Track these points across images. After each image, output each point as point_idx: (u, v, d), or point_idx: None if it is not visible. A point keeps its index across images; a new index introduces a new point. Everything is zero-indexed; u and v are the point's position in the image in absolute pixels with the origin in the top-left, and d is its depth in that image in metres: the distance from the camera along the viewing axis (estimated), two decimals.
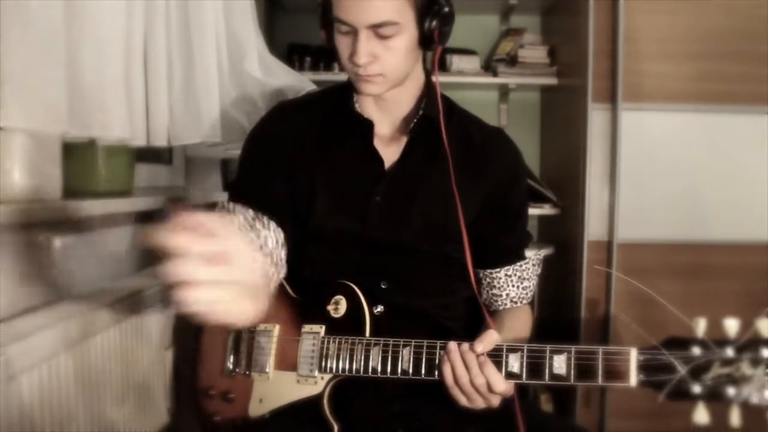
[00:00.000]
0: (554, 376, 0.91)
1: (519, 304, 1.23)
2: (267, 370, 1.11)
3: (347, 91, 1.17)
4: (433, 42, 1.07)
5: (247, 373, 1.13)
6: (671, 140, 2.13)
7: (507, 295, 1.22)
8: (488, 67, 2.46)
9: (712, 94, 2.10)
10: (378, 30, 1.01)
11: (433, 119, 1.14)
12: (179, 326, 1.46)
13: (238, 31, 1.61)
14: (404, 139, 1.16)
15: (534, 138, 2.63)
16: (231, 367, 1.15)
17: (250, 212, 1.08)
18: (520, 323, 1.20)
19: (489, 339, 0.97)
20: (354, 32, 1.02)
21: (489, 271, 1.21)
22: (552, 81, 2.39)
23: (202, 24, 1.46)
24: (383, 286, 1.13)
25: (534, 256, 1.23)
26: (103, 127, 1.11)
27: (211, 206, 1.15)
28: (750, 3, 2.09)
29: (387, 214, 1.13)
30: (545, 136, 2.60)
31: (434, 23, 1.05)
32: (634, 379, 0.86)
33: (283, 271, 1.13)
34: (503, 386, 0.95)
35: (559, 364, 0.91)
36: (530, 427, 1.01)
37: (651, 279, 2.08)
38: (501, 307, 1.23)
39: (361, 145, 1.15)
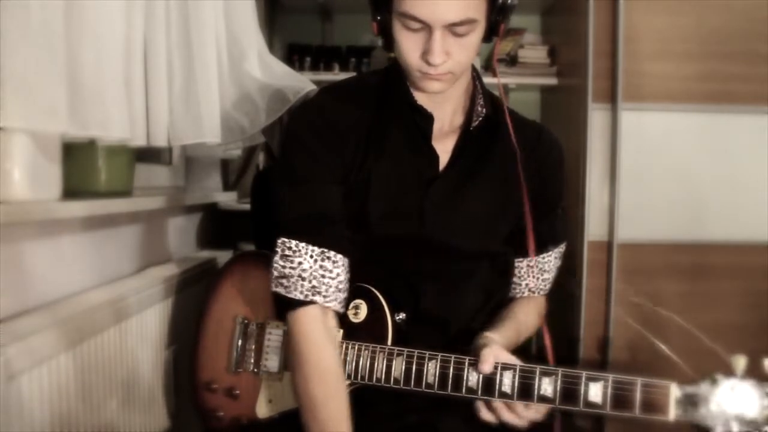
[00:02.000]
0: (589, 404, 0.89)
1: (536, 294, 1.21)
2: (277, 371, 1.08)
3: (402, 80, 1.08)
4: (497, 35, 1.02)
5: (255, 371, 1.10)
6: (671, 140, 2.12)
7: (526, 285, 1.19)
8: (488, 67, 2.46)
9: (712, 94, 2.10)
10: (455, 28, 0.95)
11: (493, 120, 1.10)
12: (179, 324, 1.46)
13: (238, 31, 1.61)
14: (453, 136, 1.11)
15: None
16: (237, 362, 1.12)
17: (316, 250, 1.01)
18: (531, 318, 1.18)
19: (488, 359, 0.95)
20: (426, 30, 0.96)
21: (520, 259, 1.18)
22: (552, 81, 2.39)
23: (202, 24, 1.46)
24: (424, 289, 1.08)
25: (556, 249, 1.20)
26: (103, 127, 1.11)
27: (272, 250, 1.04)
28: (750, 3, 2.08)
29: (442, 215, 1.08)
30: None
31: (502, 15, 1.00)
32: (672, 414, 0.86)
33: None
34: (537, 416, 0.94)
35: (595, 392, 0.89)
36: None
37: (651, 279, 2.08)
38: (518, 295, 1.21)
39: (419, 141, 1.09)
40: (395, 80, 1.09)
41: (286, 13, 2.56)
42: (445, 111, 1.11)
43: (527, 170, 1.12)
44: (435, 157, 1.09)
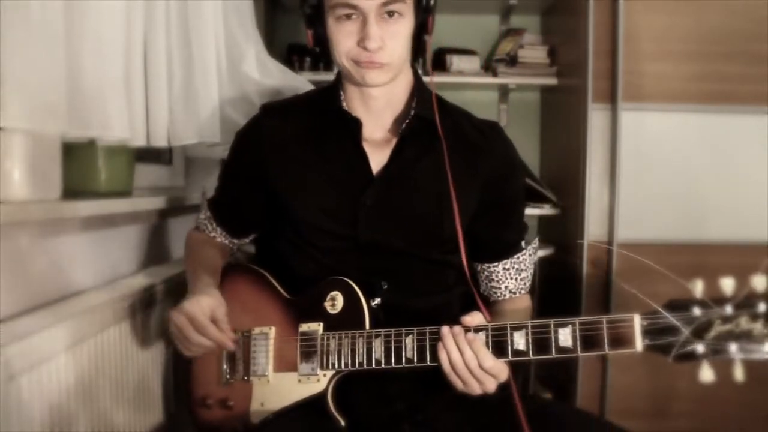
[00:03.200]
0: (561, 349, 0.93)
1: (518, 294, 1.23)
2: (266, 373, 1.10)
3: (334, 90, 1.15)
4: (426, 33, 1.07)
5: (246, 378, 1.12)
6: (671, 140, 2.12)
7: (506, 287, 1.21)
8: (488, 68, 2.46)
9: (712, 94, 2.10)
10: (386, 8, 1.01)
11: (426, 119, 1.12)
12: None
13: (236, 32, 1.61)
14: (394, 141, 1.14)
15: (534, 138, 2.62)
16: (227, 374, 1.14)
17: (228, 236, 1.30)
18: (521, 311, 1.21)
19: (476, 315, 0.98)
20: (360, 17, 1.02)
21: (487, 265, 1.21)
22: (552, 81, 2.39)
23: (201, 25, 1.46)
24: (384, 287, 1.12)
25: (530, 246, 1.21)
26: (103, 127, 1.11)
27: (196, 228, 1.34)
28: (750, 3, 2.08)
29: (378, 218, 1.12)
30: (545, 136, 2.60)
31: (429, 11, 1.06)
32: (639, 344, 0.89)
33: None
34: (490, 361, 0.95)
35: (565, 337, 0.93)
36: (531, 413, 1.00)
37: (651, 279, 2.08)
38: (500, 298, 1.23)
39: (349, 146, 1.13)
40: (331, 89, 1.17)
41: (286, 13, 2.55)
42: (383, 116, 1.15)
43: (479, 170, 1.14)
44: (365, 161, 1.13)
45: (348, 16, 1.03)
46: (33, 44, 0.91)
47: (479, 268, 1.22)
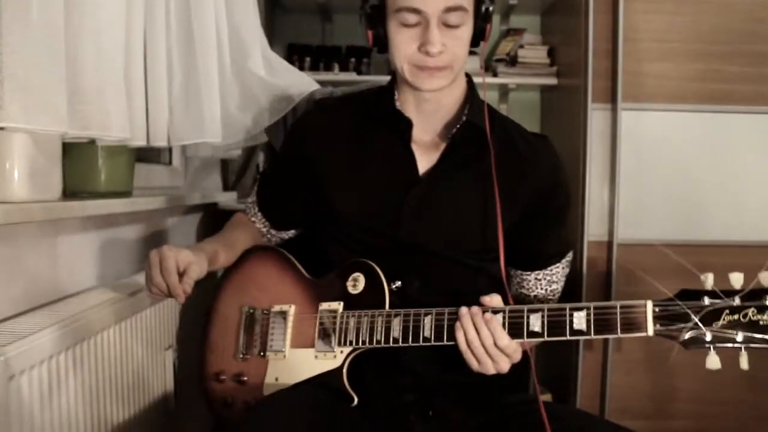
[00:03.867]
0: (574, 332, 0.95)
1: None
2: (283, 349, 1.11)
3: (389, 91, 1.17)
4: (483, 38, 1.09)
5: (262, 354, 1.13)
6: (671, 140, 2.13)
7: (535, 296, 1.22)
8: (488, 67, 2.46)
9: (712, 94, 2.10)
10: (448, 16, 1.02)
11: (477, 126, 1.13)
12: (180, 324, 1.46)
13: (240, 29, 1.61)
14: (443, 146, 1.14)
15: None
16: (244, 349, 1.14)
17: (267, 226, 1.32)
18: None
19: (495, 296, 1.00)
20: (422, 22, 1.03)
21: (520, 272, 1.22)
22: (552, 81, 2.39)
23: (203, 23, 1.46)
24: (416, 285, 1.12)
25: (564, 260, 1.22)
26: (103, 127, 1.11)
27: (238, 210, 1.39)
28: (750, 3, 2.08)
29: (420, 219, 1.13)
30: None
31: (487, 18, 1.07)
32: (651, 329, 0.91)
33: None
34: (505, 340, 0.97)
35: (579, 320, 0.94)
36: (531, 412, 1.01)
37: (650, 278, 2.08)
38: None
39: (398, 146, 1.14)
40: (386, 89, 1.18)
41: (286, 13, 2.56)
42: (435, 119, 1.16)
43: (527, 182, 1.14)
44: (413, 161, 1.14)
45: (410, 23, 1.03)
46: (33, 44, 0.91)
47: (512, 273, 1.23)
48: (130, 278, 1.44)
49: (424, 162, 1.15)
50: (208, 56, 1.47)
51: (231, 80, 1.58)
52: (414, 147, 1.14)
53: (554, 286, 1.22)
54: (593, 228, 2.12)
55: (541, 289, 1.22)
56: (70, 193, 1.25)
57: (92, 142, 1.19)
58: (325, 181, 1.18)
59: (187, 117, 1.44)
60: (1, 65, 0.86)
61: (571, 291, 2.15)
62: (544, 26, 2.58)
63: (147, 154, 1.71)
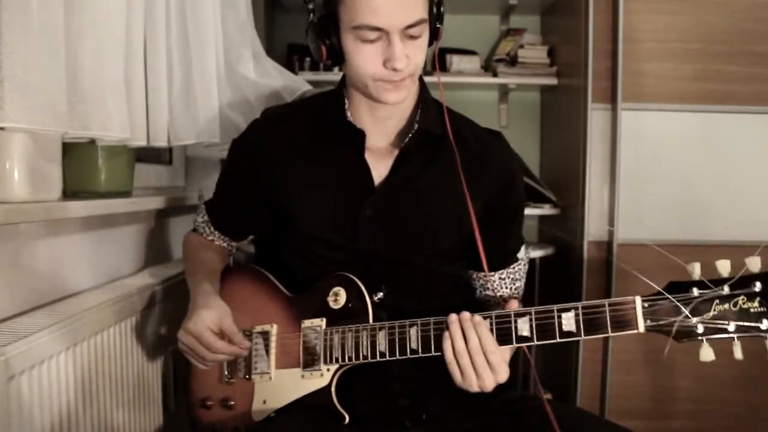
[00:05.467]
0: (564, 334, 0.93)
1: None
2: (268, 371, 1.10)
3: (339, 99, 1.14)
4: (437, 38, 1.07)
5: (247, 377, 1.12)
6: (671, 140, 2.12)
7: (500, 296, 1.21)
8: (488, 67, 2.46)
9: (712, 94, 2.10)
10: (410, 30, 0.99)
11: (430, 133, 1.12)
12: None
13: (232, 33, 1.61)
14: (396, 152, 1.12)
15: (534, 138, 2.62)
16: (228, 373, 1.13)
17: (227, 240, 1.31)
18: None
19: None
20: (383, 39, 0.99)
21: (483, 273, 1.20)
22: (552, 81, 2.39)
23: (201, 25, 1.46)
24: (384, 290, 1.11)
25: (524, 256, 1.22)
26: (103, 127, 1.11)
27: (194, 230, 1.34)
28: (750, 3, 2.08)
29: (378, 228, 1.11)
30: (545, 136, 2.60)
31: (440, 18, 1.05)
32: (642, 325, 0.90)
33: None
34: (493, 346, 0.95)
35: (568, 321, 0.93)
36: (531, 412, 1.01)
37: (651, 279, 2.08)
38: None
39: (352, 157, 1.12)
40: (335, 98, 1.15)
41: (286, 13, 2.55)
42: (388, 126, 1.14)
43: (482, 182, 1.13)
44: (367, 171, 1.12)
45: (371, 39, 1.00)
46: (33, 44, 0.91)
47: (474, 276, 1.22)
48: (130, 278, 1.44)
49: (379, 170, 1.12)
50: (206, 57, 1.48)
51: (225, 83, 1.58)
52: (367, 156, 1.12)
53: (518, 284, 1.22)
54: (593, 228, 2.12)
55: (506, 288, 1.20)
56: (70, 193, 1.25)
57: (92, 142, 1.19)
58: (279, 193, 1.15)
59: (187, 117, 1.45)
60: (1, 65, 0.86)
61: (572, 291, 2.16)
62: (544, 26, 2.58)
63: (147, 154, 1.71)
